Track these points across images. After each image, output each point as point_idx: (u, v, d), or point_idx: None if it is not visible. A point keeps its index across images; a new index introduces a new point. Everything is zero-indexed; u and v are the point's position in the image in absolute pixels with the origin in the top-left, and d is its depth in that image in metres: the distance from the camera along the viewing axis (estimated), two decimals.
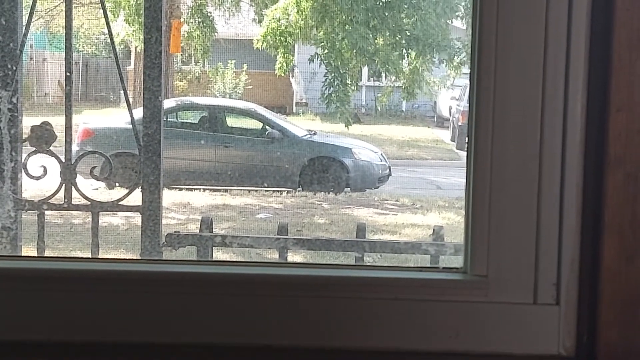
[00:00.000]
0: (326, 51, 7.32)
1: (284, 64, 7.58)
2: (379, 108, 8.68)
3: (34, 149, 3.14)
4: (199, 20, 7.85)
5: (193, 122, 7.95)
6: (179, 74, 8.64)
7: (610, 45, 1.57)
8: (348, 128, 7.83)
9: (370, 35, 7.29)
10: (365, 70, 8.52)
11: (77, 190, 3.22)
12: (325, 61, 7.40)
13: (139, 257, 3.59)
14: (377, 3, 7.38)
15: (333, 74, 7.44)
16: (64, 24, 3.14)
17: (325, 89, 7.51)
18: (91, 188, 4.39)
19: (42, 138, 3.14)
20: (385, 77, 8.35)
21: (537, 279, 1.64)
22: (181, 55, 8.43)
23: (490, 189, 1.63)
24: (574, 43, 1.61)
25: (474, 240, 1.65)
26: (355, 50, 7.30)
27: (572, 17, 1.60)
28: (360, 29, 7.24)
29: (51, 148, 3.22)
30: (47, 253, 3.41)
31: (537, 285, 1.64)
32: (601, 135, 1.58)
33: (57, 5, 7.59)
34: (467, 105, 1.68)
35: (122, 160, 4.76)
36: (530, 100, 1.61)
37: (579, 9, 1.60)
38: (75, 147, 3.36)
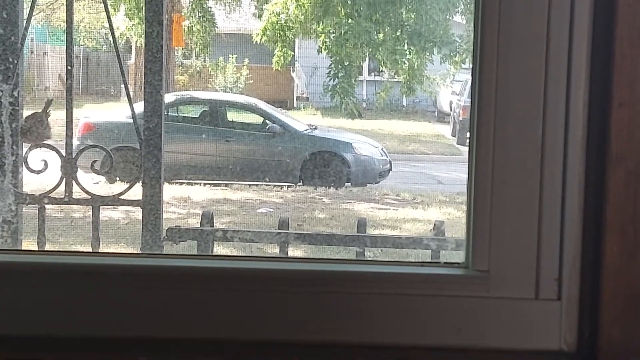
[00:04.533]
0: (331, 40, 7.32)
1: (282, 59, 7.58)
2: (378, 105, 8.68)
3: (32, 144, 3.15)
4: (200, 14, 7.85)
5: (194, 116, 7.95)
6: (180, 68, 8.64)
7: (612, 41, 1.56)
8: (353, 120, 7.83)
9: (374, 29, 7.30)
10: (366, 65, 8.52)
11: (78, 184, 3.23)
12: (329, 52, 7.40)
13: (140, 252, 3.59)
14: None
15: (337, 66, 7.45)
16: (64, 18, 3.14)
17: (330, 79, 7.52)
18: (92, 182, 4.39)
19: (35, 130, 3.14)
20: (386, 72, 8.35)
21: (538, 274, 1.64)
22: (182, 49, 8.43)
23: (492, 184, 1.63)
24: (577, 38, 1.60)
25: (475, 235, 1.65)
26: (359, 44, 7.31)
27: (575, 13, 1.60)
28: (364, 22, 7.25)
29: (52, 142, 3.22)
30: (47, 247, 3.41)
31: (538, 280, 1.64)
32: (603, 132, 1.58)
33: None
34: (468, 100, 1.68)
35: (123, 154, 4.76)
36: (532, 95, 1.61)
37: (582, 4, 1.60)
38: (75, 141, 3.36)
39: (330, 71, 7.55)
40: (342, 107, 7.70)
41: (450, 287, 1.67)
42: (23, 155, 3.12)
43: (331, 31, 7.34)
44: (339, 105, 7.68)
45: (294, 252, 4.96)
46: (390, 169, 7.68)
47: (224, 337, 1.69)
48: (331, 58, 7.51)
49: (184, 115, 7.96)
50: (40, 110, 3.20)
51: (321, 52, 7.57)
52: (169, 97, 7.17)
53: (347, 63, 7.46)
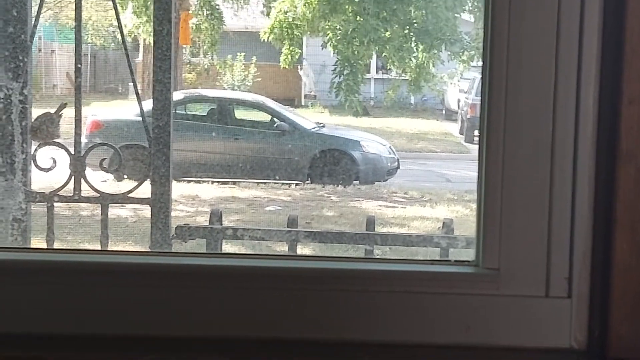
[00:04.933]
0: (339, 37, 7.31)
1: (290, 57, 7.58)
2: (386, 103, 8.67)
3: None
4: (208, 12, 7.85)
5: (202, 114, 7.95)
6: (188, 66, 8.64)
7: (622, 38, 1.56)
8: (357, 117, 7.82)
9: (381, 26, 7.29)
10: (374, 63, 8.51)
11: (87, 182, 3.23)
12: (336, 49, 7.39)
13: (149, 250, 3.59)
14: None
15: (343, 63, 7.43)
16: (72, 16, 3.14)
17: (336, 76, 7.50)
18: (100, 180, 4.39)
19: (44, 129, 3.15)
20: (394, 70, 8.34)
21: (549, 272, 1.63)
22: (190, 47, 8.42)
23: (502, 181, 1.62)
24: (587, 35, 1.60)
25: (485, 233, 1.65)
26: (366, 41, 7.30)
27: (585, 9, 1.60)
28: (371, 20, 7.24)
29: (60, 140, 3.23)
30: (56, 245, 3.42)
31: (549, 278, 1.63)
32: (613, 129, 1.58)
33: None
34: (476, 98, 1.68)
35: (131, 152, 4.76)
36: (542, 93, 1.61)
37: (592, 0, 1.59)
38: (84, 139, 3.37)
39: (336, 68, 7.54)
40: (347, 105, 7.68)
41: (460, 285, 1.67)
42: (31, 153, 3.13)
43: (338, 28, 7.33)
44: (344, 102, 7.66)
45: (302, 250, 4.95)
46: (398, 167, 7.67)
47: (233, 335, 1.68)
48: (337, 56, 7.50)
49: (193, 113, 7.96)
50: (51, 111, 3.21)
51: (326, 48, 7.56)
52: (177, 95, 7.17)
53: (353, 61, 7.45)
